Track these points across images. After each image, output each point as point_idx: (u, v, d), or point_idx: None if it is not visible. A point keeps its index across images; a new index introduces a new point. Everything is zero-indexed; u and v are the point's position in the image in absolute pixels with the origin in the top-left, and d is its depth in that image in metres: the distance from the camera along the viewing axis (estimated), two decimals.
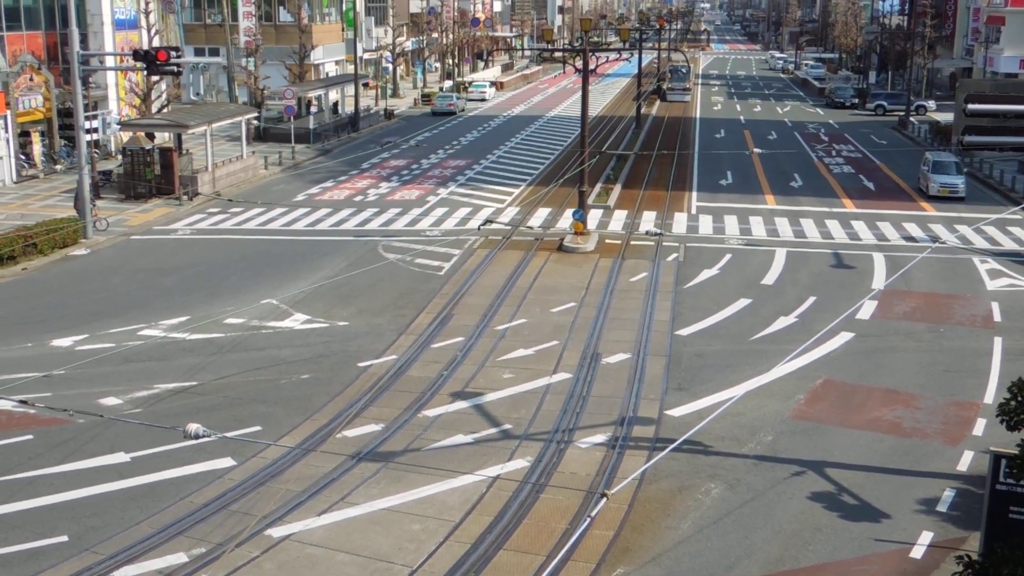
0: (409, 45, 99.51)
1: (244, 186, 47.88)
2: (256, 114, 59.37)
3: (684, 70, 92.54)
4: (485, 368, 24.24)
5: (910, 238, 38.11)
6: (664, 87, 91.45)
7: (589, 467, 19.14)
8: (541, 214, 42.13)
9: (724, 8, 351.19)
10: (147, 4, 54.18)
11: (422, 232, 38.86)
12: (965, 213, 42.60)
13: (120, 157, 47.86)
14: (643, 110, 73.85)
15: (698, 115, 79.80)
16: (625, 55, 55.76)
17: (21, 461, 19.26)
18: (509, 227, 39.36)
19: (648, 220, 40.97)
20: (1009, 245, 36.89)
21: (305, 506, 17.57)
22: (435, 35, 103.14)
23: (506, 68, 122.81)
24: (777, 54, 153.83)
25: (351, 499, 17.85)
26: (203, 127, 46.15)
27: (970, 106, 23.52)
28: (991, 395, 22.64)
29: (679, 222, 40.78)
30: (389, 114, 74.52)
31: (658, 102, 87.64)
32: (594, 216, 40.95)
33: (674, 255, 35.11)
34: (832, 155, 59.85)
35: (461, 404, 22.06)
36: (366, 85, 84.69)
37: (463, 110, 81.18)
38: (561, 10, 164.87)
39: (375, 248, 36.10)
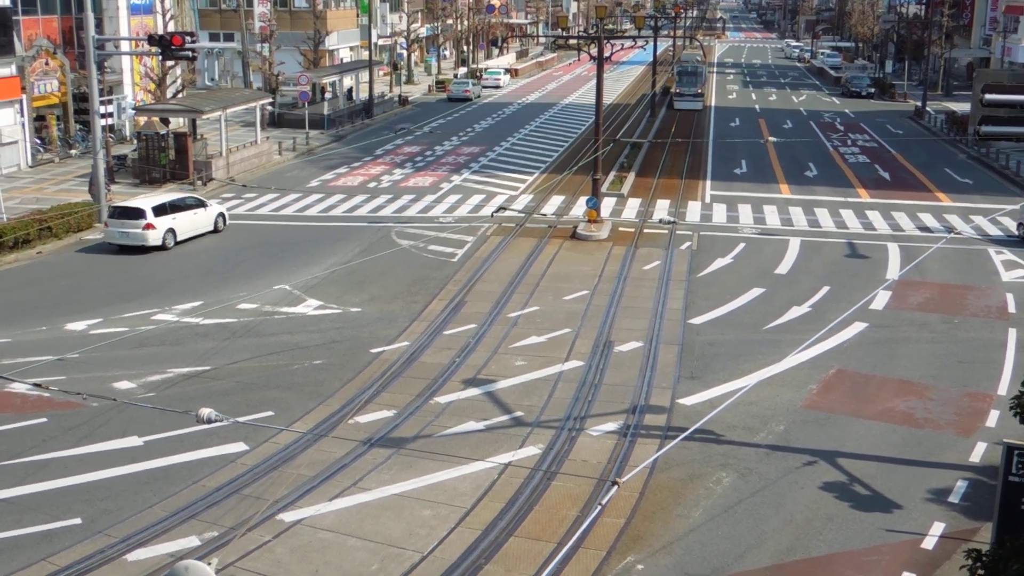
0: (423, 31, 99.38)
1: (258, 172, 47.93)
2: (270, 100, 59.39)
3: (696, 70, 74.58)
4: (497, 355, 24.26)
5: (925, 228, 37.95)
6: (671, 91, 76.92)
7: (600, 455, 19.15)
8: (555, 201, 42.08)
9: None
10: None
11: (435, 219, 38.86)
12: (981, 203, 42.39)
13: (135, 142, 47.98)
14: (657, 99, 73.61)
15: (713, 103, 79.50)
16: (640, 43, 55.58)
17: (35, 444, 19.37)
18: (522, 214, 39.33)
19: (662, 208, 40.88)
20: None
21: (317, 491, 17.63)
22: (450, 21, 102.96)
23: (521, 55, 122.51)
24: (793, 43, 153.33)
25: (363, 484, 17.90)
26: (217, 112, 46.21)
27: (987, 96, 23.36)
28: (1005, 386, 22.55)
29: (693, 211, 40.69)
30: (403, 101, 74.48)
31: (673, 87, 76.90)
32: (608, 204, 40.89)
33: (688, 244, 35.05)
34: (847, 144, 59.61)
35: (473, 391, 22.08)
36: (395, 67, 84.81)
37: (478, 96, 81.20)
38: None
39: (388, 234, 36.12)
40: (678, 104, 73.00)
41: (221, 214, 36.58)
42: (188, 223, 34.74)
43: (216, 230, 35.99)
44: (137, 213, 33.42)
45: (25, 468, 18.43)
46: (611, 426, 20.35)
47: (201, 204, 35.96)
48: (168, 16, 54.39)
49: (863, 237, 36.55)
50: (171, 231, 33.90)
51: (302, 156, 52.79)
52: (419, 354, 24.24)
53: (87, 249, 34.18)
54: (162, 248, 33.54)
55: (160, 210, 33.84)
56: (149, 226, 33.21)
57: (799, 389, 22.48)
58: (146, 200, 34.62)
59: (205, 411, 13.12)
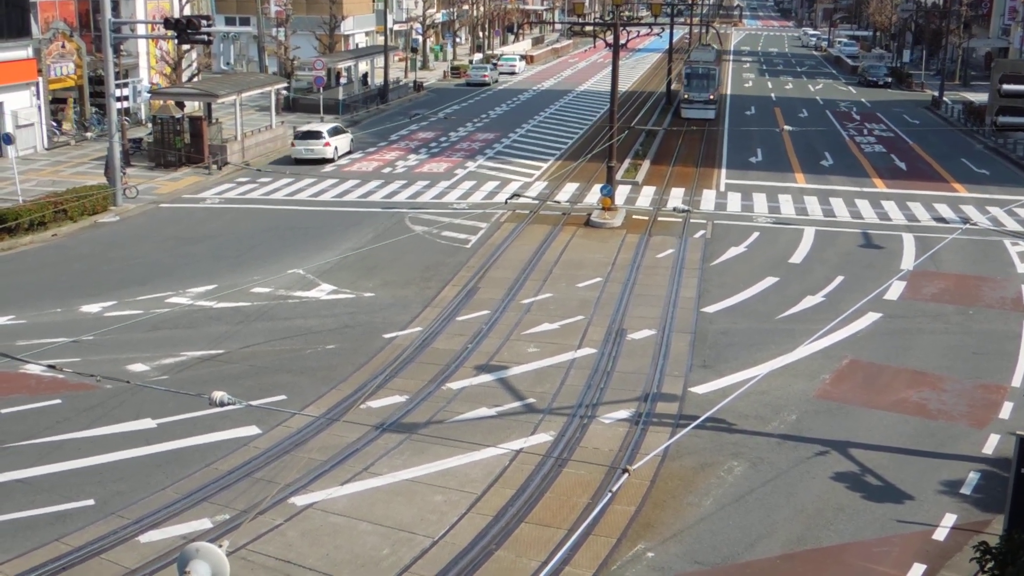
0: (439, 17, 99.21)
1: (273, 156, 47.97)
2: (286, 84, 59.45)
3: (708, 72, 62.95)
4: (510, 342, 24.26)
5: (941, 219, 37.77)
6: (679, 97, 66.84)
7: (612, 442, 19.15)
8: (569, 189, 42.02)
9: None
10: None
11: (449, 205, 38.85)
12: (997, 195, 42.19)
13: (150, 125, 48.09)
14: (673, 85, 73.35)
15: (728, 92, 79.18)
16: (656, 30, 55.28)
17: (49, 425, 19.47)
18: (536, 201, 39.28)
19: (676, 196, 40.78)
20: None
21: (329, 475, 17.68)
22: (465, 7, 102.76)
23: (536, 42, 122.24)
24: (810, 31, 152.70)
25: (374, 469, 17.94)
26: (233, 97, 46.26)
27: (1005, 86, 23.23)
28: (1018, 378, 22.48)
29: (707, 199, 40.58)
30: (418, 86, 74.40)
31: (681, 91, 66.37)
32: (622, 192, 40.81)
33: (702, 232, 34.96)
34: (864, 134, 59.34)
35: (485, 377, 22.10)
36: (414, 51, 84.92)
37: (495, 81, 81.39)
38: None
39: (402, 220, 36.13)
40: (686, 112, 62.36)
41: (352, 139, 50.10)
42: (342, 143, 48.07)
43: (350, 151, 49.00)
44: (318, 135, 46.52)
45: (39, 449, 18.53)
46: (623, 414, 20.35)
47: (345, 131, 49.61)
48: (184, 0, 54.42)
49: (878, 227, 36.41)
50: (336, 148, 46.87)
51: None
52: (432, 340, 24.26)
53: (102, 232, 34.28)
54: (331, 160, 46.32)
55: (330, 133, 47.02)
56: (327, 144, 46.25)
57: (812, 379, 22.44)
58: (321, 126, 47.89)
59: (218, 394, 13.14)
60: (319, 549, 15.48)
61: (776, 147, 53.61)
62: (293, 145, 46.86)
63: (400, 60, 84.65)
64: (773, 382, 21.90)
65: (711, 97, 62.82)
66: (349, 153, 48.88)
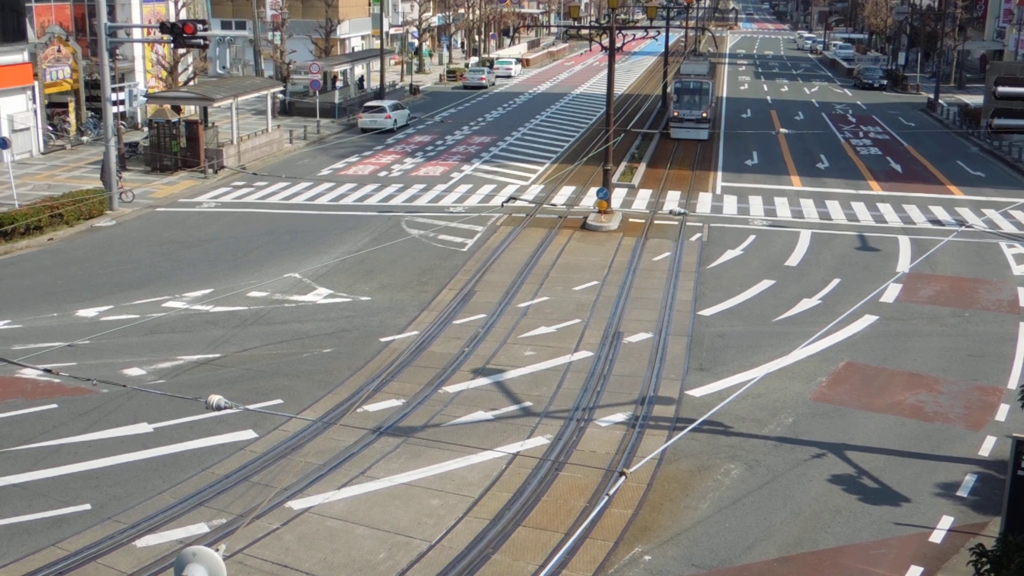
0: (435, 21, 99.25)
1: (269, 160, 47.98)
2: (282, 88, 59.44)
3: (700, 87, 55.10)
4: (506, 345, 24.27)
5: (936, 221, 37.82)
6: (668, 114, 59.25)
7: (609, 446, 19.15)
8: (565, 192, 42.04)
9: None
10: None
11: (446, 208, 38.85)
12: (993, 197, 42.25)
13: (146, 129, 48.04)
14: (669, 89, 73.38)
15: (724, 95, 79.30)
16: (652, 33, 55.20)
17: (45, 429, 19.45)
18: (533, 204, 39.29)
19: (672, 200, 40.81)
20: None
21: (325, 479, 17.67)
22: (461, 11, 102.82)
23: (532, 45, 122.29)
24: (806, 34, 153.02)
25: (371, 473, 17.94)
26: (229, 100, 46.24)
27: (1000, 88, 23.29)
28: (1015, 380, 22.50)
29: (703, 202, 40.61)
30: (414, 90, 74.43)
31: (671, 108, 57.73)
32: (618, 195, 40.82)
33: (698, 235, 34.99)
34: (859, 136, 59.41)
35: (482, 380, 22.10)
36: (415, 53, 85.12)
37: (492, 84, 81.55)
38: None
39: (398, 224, 36.13)
40: (676, 132, 55.45)
41: (408, 113, 59.98)
42: (400, 117, 57.84)
43: (407, 125, 58.94)
44: (381, 109, 56.76)
45: (35, 454, 18.51)
46: (620, 417, 20.36)
47: (403, 107, 59.57)
48: (180, 3, 54.38)
49: (874, 230, 36.45)
50: (395, 120, 56.90)
51: (313, 145, 52.83)
52: (428, 343, 24.26)
53: (98, 236, 34.27)
54: (392, 131, 56.16)
55: (391, 108, 57.25)
56: (388, 116, 56.49)
57: (808, 381, 22.45)
58: (383, 102, 58.08)
59: (215, 398, 13.13)
60: (316, 553, 15.48)
61: (772, 150, 53.67)
62: (360, 118, 56.73)
63: (396, 64, 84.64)
64: (769, 385, 21.92)
65: (703, 115, 55.31)
66: (406, 127, 58.22)
